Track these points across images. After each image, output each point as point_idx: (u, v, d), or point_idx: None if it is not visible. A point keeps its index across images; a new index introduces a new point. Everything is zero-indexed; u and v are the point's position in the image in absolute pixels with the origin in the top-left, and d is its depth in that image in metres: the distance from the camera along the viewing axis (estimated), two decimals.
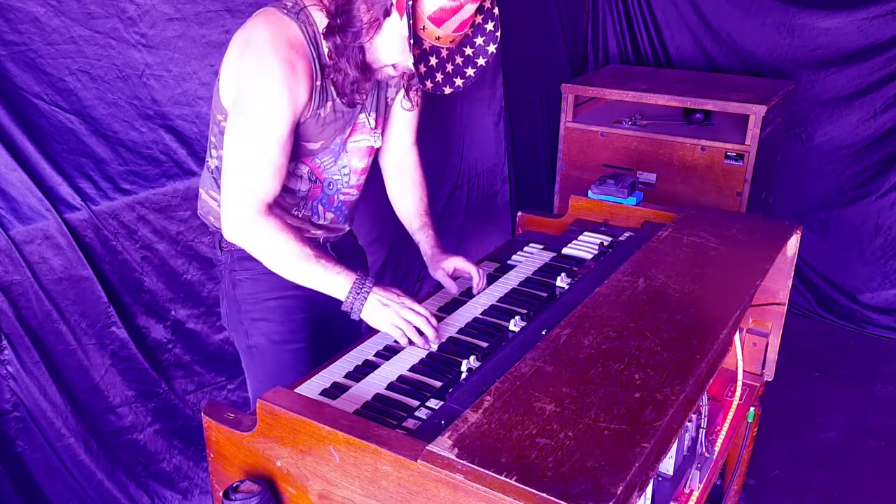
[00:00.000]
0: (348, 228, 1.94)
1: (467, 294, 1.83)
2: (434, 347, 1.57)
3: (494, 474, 1.04)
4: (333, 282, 1.57)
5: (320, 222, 1.82)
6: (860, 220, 3.63)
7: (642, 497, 1.36)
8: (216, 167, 1.76)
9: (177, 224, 2.35)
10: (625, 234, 2.05)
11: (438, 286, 1.87)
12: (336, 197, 1.82)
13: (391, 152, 1.96)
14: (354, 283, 1.56)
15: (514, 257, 2.02)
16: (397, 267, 3.21)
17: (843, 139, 3.58)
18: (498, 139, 3.51)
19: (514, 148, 3.63)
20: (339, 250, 1.88)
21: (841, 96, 3.54)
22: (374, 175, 1.95)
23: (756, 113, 2.99)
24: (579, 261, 1.95)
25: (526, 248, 2.08)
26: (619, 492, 1.00)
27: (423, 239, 1.92)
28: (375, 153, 1.86)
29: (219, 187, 1.75)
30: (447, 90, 1.62)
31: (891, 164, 3.49)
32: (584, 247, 2.01)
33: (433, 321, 1.58)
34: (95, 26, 2.11)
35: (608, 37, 4.07)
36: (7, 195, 2.02)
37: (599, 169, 3.20)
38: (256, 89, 1.53)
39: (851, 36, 3.44)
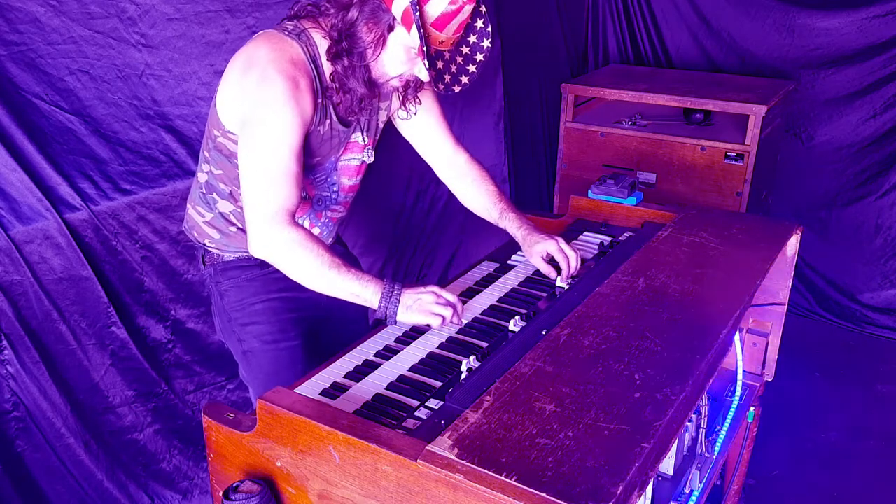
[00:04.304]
0: (331, 240, 1.97)
1: (467, 294, 1.83)
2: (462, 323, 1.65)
3: (494, 474, 1.04)
4: (363, 291, 1.56)
5: None
6: (860, 220, 3.63)
7: (642, 497, 1.36)
8: (206, 182, 1.79)
9: (177, 224, 2.35)
10: (625, 234, 2.05)
11: (439, 286, 1.87)
12: (324, 213, 1.87)
13: (440, 164, 1.99)
14: (384, 292, 1.56)
15: (514, 257, 2.02)
16: (397, 267, 3.21)
17: (843, 139, 3.58)
18: (498, 139, 3.51)
19: (514, 148, 3.63)
20: None
21: (841, 96, 3.54)
22: (370, 175, 1.95)
23: (756, 113, 2.99)
24: None
25: None
26: (618, 492, 1.00)
27: (509, 224, 1.92)
28: (364, 173, 1.90)
29: (206, 203, 1.80)
30: (456, 89, 1.70)
31: (891, 164, 3.48)
32: (584, 247, 2.01)
33: (459, 308, 1.61)
34: (95, 26, 2.11)
35: (608, 37, 4.06)
36: (7, 195, 2.02)
37: (599, 169, 3.20)
38: (264, 104, 1.56)
39: (851, 36, 3.44)
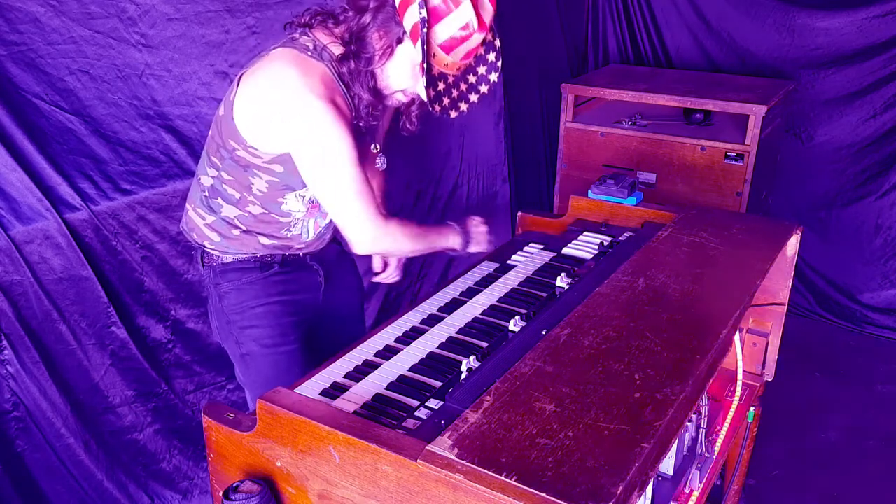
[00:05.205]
0: (330, 236, 1.98)
1: (467, 294, 1.83)
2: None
3: (494, 474, 1.04)
4: (447, 241, 1.89)
5: (307, 239, 1.86)
6: (860, 220, 3.63)
7: (642, 497, 1.36)
8: (210, 186, 1.78)
9: (177, 224, 2.35)
10: (625, 234, 2.05)
11: (438, 286, 1.88)
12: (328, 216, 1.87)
13: None
14: (462, 233, 1.91)
15: (514, 257, 2.02)
16: None
17: (843, 139, 3.58)
18: (498, 139, 3.51)
19: (514, 148, 3.63)
20: (321, 260, 1.93)
21: (841, 96, 3.54)
22: None
23: (756, 113, 2.99)
24: (579, 261, 1.95)
25: (526, 248, 2.08)
26: (618, 492, 1.00)
27: None
28: None
29: (208, 206, 1.80)
30: (453, 114, 1.71)
31: (891, 164, 3.48)
32: (584, 247, 2.01)
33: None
34: (95, 26, 2.11)
35: (608, 37, 4.06)
36: (7, 195, 2.02)
37: (599, 169, 3.20)
38: (315, 127, 1.59)
39: (851, 36, 3.44)
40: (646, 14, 3.90)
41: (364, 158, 1.77)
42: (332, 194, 1.68)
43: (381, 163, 1.87)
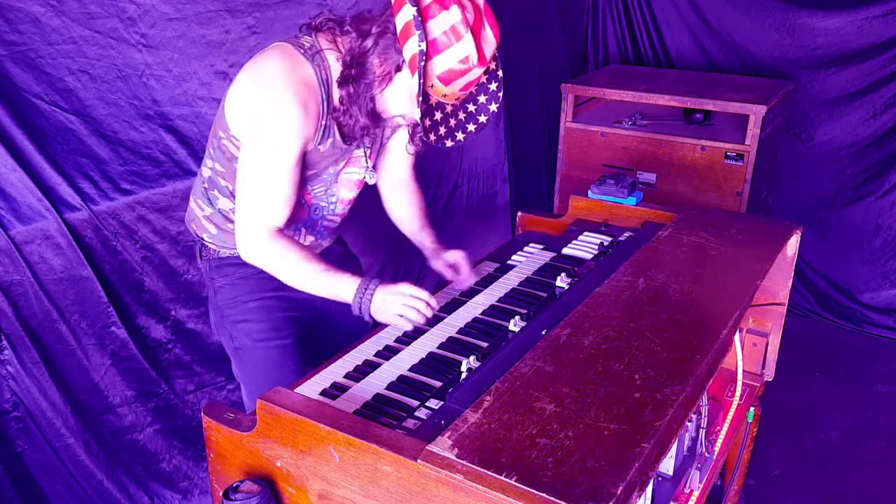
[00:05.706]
0: (327, 244, 1.97)
1: (467, 294, 1.83)
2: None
3: (494, 474, 1.04)
4: (341, 289, 1.66)
5: (301, 242, 1.85)
6: (860, 220, 3.63)
7: (642, 497, 1.36)
8: (209, 178, 1.79)
9: (177, 224, 2.35)
10: (625, 234, 2.05)
11: (438, 286, 1.88)
12: (320, 222, 1.87)
13: (389, 177, 2.00)
14: (359, 286, 1.64)
15: (514, 257, 2.03)
16: (396, 269, 3.21)
17: (843, 139, 3.58)
18: (498, 139, 3.51)
19: (514, 148, 3.63)
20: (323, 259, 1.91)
21: (841, 96, 3.54)
22: None
23: (756, 113, 2.99)
24: (579, 261, 1.95)
25: (526, 248, 2.08)
26: (618, 492, 1.00)
27: (425, 237, 1.99)
28: (364, 186, 1.90)
29: (208, 198, 1.81)
30: (449, 143, 1.68)
31: (891, 164, 3.48)
32: (584, 247, 2.01)
33: (432, 302, 1.66)
34: (95, 26, 2.11)
35: (608, 37, 4.06)
36: (7, 195, 2.02)
37: (599, 169, 3.20)
38: (270, 126, 1.60)
39: (851, 36, 3.44)
40: (646, 14, 3.90)
41: (334, 161, 1.76)
42: (244, 190, 1.66)
43: (370, 177, 1.85)
